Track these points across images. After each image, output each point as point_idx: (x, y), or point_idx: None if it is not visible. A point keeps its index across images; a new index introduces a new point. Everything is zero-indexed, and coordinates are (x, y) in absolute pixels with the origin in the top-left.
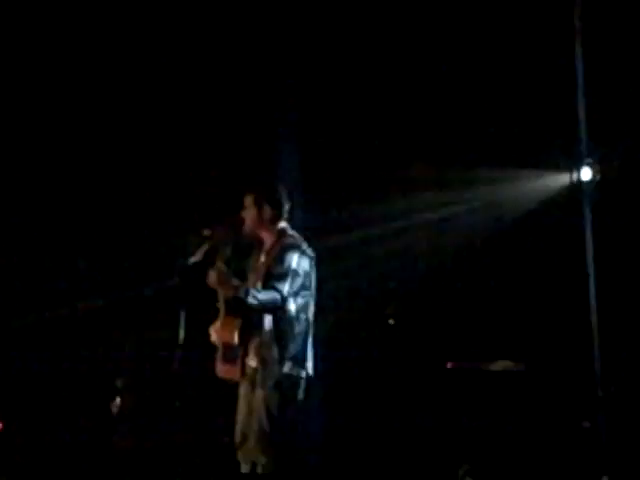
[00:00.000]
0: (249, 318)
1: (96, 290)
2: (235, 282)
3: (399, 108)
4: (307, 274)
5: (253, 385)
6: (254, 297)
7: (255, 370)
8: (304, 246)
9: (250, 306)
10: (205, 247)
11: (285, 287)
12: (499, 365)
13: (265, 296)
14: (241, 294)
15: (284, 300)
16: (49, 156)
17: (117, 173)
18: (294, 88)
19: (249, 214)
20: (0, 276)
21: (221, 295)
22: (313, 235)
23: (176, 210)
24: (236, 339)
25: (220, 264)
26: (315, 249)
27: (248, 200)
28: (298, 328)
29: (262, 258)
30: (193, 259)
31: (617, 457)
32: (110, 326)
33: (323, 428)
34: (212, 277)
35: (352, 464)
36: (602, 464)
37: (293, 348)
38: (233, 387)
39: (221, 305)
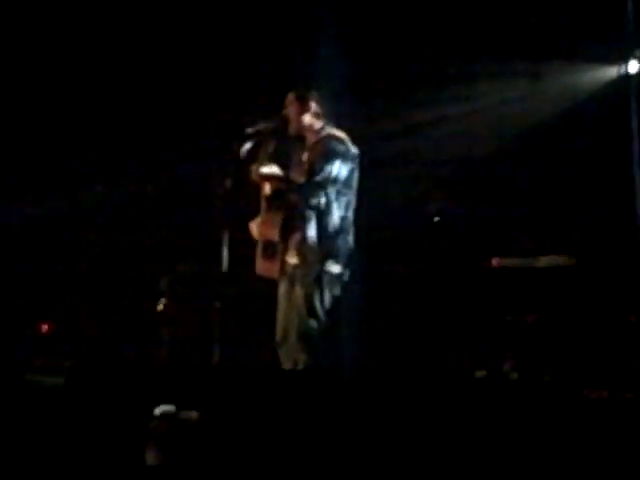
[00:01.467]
0: (291, 215)
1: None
2: (279, 175)
3: None
4: (350, 175)
5: (292, 283)
6: (299, 192)
7: (295, 267)
8: (347, 147)
9: (293, 202)
10: (249, 145)
11: (329, 187)
12: (547, 260)
13: (309, 193)
14: (285, 188)
15: (328, 201)
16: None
17: (161, 73)
18: None
19: (292, 111)
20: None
21: (263, 190)
22: (358, 132)
23: (219, 110)
24: (277, 236)
25: (264, 157)
26: (359, 147)
27: (290, 97)
28: (340, 226)
29: (304, 156)
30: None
31: None
32: (156, 227)
33: (362, 327)
34: (256, 170)
35: (391, 362)
36: None
37: (334, 246)
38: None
39: (262, 201)
